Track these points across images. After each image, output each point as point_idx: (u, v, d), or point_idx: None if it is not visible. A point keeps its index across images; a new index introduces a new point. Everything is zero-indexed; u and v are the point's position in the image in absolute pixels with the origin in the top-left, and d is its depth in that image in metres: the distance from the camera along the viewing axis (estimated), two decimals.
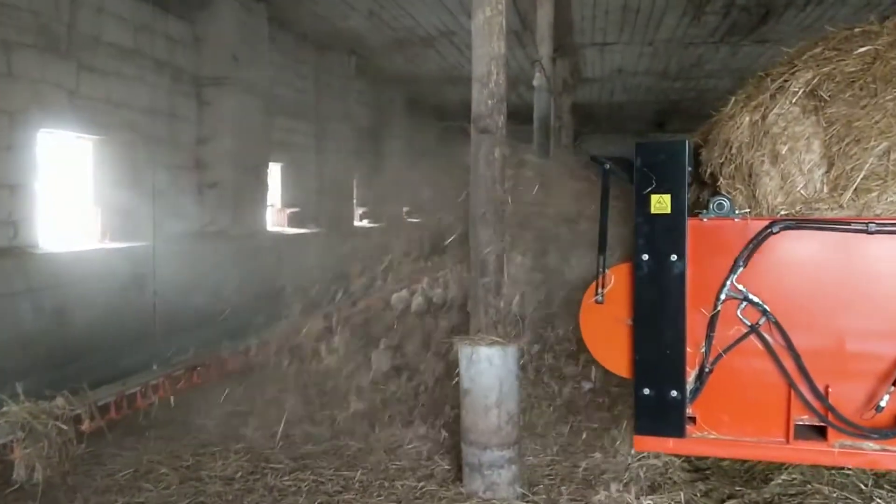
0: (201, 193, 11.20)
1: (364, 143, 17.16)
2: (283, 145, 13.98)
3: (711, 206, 3.63)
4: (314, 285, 11.03)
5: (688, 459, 4.39)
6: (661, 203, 3.58)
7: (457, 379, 5.17)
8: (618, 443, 4.68)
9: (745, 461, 4.30)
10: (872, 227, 3.40)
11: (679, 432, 3.66)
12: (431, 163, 22.69)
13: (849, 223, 3.46)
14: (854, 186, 3.43)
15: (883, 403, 3.40)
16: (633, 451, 4.44)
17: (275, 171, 14.43)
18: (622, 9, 11.20)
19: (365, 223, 17.22)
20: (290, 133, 14.52)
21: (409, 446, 5.03)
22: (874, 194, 3.45)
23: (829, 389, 3.51)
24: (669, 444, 3.75)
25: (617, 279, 3.78)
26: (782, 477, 3.99)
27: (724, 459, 4.30)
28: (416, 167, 21.28)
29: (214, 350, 7.04)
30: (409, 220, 20.76)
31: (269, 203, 13.53)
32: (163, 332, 8.09)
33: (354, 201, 16.74)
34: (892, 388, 3.40)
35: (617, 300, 3.79)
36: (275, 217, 14.06)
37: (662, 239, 3.61)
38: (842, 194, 3.47)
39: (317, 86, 15.53)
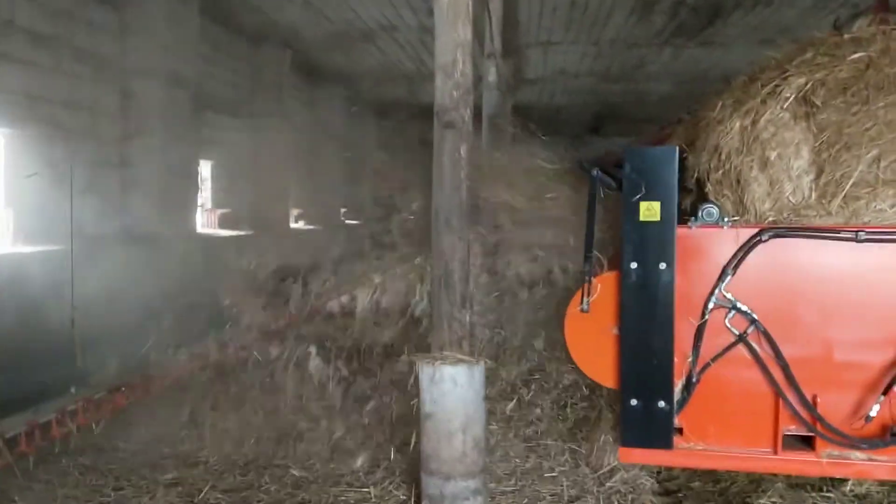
0: (126, 193, 10.73)
1: (300, 142, 16.82)
2: (214, 143, 13.51)
3: (700, 214, 3.60)
4: (249, 292, 10.80)
5: (658, 480, 4.39)
6: (650, 210, 3.53)
7: (415, 401, 5.00)
8: (582, 465, 4.62)
9: (717, 482, 4.32)
10: (862, 235, 3.41)
11: (667, 444, 3.63)
12: (370, 163, 22.56)
13: (838, 231, 3.48)
14: (843, 194, 3.44)
15: (872, 413, 3.44)
16: (598, 475, 4.42)
17: (205, 170, 13.98)
18: (570, 6, 11.26)
19: (301, 225, 16.85)
20: (222, 130, 14.09)
21: (359, 474, 4.79)
22: (863, 202, 3.48)
23: (818, 399, 3.52)
24: (656, 456, 3.71)
25: (603, 288, 3.71)
26: (761, 501, 4.01)
27: (694, 481, 4.34)
28: (354, 167, 21.06)
29: (141, 367, 6.70)
30: (347, 221, 20.52)
31: (199, 204, 13.08)
32: (82, 348, 7.56)
33: (290, 202, 16.37)
34: (882, 397, 3.43)
35: (603, 309, 3.72)
36: (205, 218, 13.56)
37: (651, 247, 3.56)
38: (830, 201, 3.50)
39: (251, 81, 15.13)
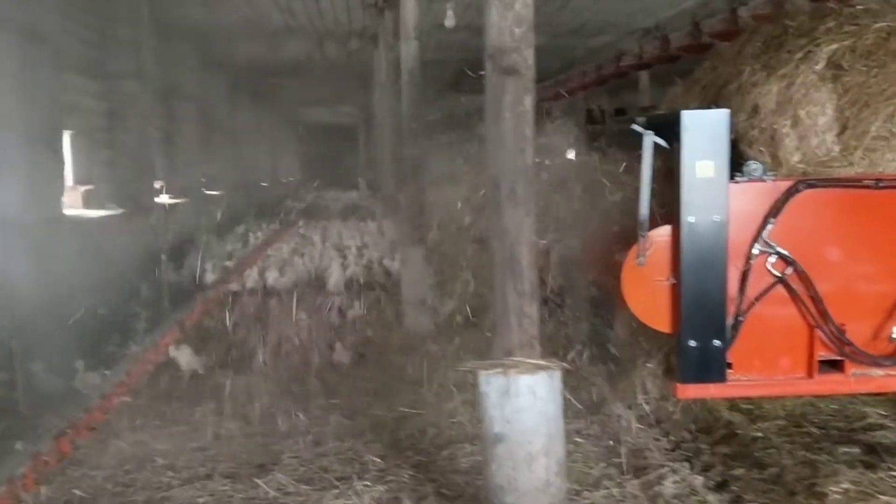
0: None
1: (159, 107, 16.13)
2: (72, 109, 12.65)
3: (745, 170, 4.16)
4: (143, 282, 10.49)
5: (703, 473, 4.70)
6: (705, 168, 4.05)
7: (456, 419, 5.16)
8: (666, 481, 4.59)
9: (763, 468, 4.68)
10: (881, 183, 4.12)
11: (721, 377, 4.23)
12: (232, 129, 21.90)
13: (861, 180, 4.16)
14: (863, 146, 4.13)
15: (894, 335, 4.17)
16: (641, 480, 4.59)
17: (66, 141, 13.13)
18: None
19: (165, 199, 16.21)
20: (79, 94, 13.26)
21: None
22: (879, 153, 4.19)
23: (846, 327, 4.22)
24: (710, 390, 4.31)
25: (657, 242, 4.22)
26: (831, 488, 4.21)
27: (734, 468, 4.69)
28: (216, 134, 20.42)
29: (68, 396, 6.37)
30: (208, 192, 19.92)
31: (67, 181, 12.32)
32: None
33: (153, 175, 15.70)
34: None
35: (656, 261, 4.23)
36: (70, 198, 12.67)
37: (706, 201, 4.09)
38: (852, 153, 4.18)
39: (104, 37, 14.30)
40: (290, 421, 5.88)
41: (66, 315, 8.70)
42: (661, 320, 4.36)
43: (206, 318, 9.58)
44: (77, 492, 4.85)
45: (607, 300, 5.59)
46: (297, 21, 16.36)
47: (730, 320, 4.31)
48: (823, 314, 4.30)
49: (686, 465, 4.86)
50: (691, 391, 4.39)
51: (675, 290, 4.28)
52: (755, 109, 4.28)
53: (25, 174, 9.83)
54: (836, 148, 4.28)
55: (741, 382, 4.38)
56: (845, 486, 4.28)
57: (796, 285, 4.30)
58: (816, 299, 4.29)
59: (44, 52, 10.51)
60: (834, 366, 4.41)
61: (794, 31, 4.39)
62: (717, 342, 4.26)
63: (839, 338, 4.31)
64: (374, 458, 5.12)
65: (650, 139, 4.22)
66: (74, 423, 5.81)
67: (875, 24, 4.15)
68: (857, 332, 4.32)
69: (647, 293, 4.33)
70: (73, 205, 12.59)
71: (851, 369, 4.35)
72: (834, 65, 4.19)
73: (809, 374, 4.38)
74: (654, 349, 4.96)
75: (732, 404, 5.47)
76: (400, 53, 9.79)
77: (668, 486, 4.55)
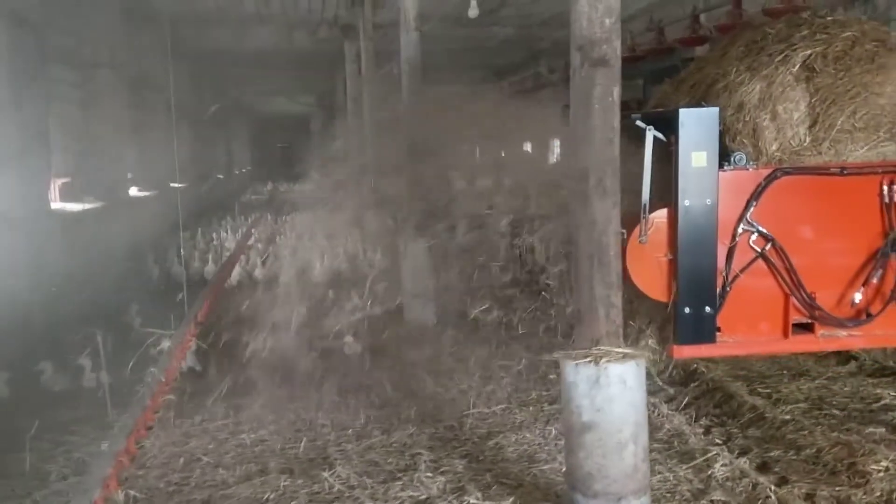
0: None
1: (130, 96, 16.38)
2: (53, 98, 12.90)
3: (732, 160, 4.92)
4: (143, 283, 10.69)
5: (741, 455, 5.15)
6: (699, 158, 4.79)
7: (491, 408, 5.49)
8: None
9: (799, 450, 5.15)
10: (845, 170, 4.92)
11: (711, 339, 4.99)
12: (192, 120, 21.95)
13: (828, 168, 4.95)
14: (830, 138, 4.92)
15: (856, 301, 4.98)
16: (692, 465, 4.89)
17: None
18: None
19: (136, 192, 16.46)
20: (55, 81, 13.50)
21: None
22: (842, 144, 4.98)
23: (816, 295, 5.01)
24: (702, 350, 5.07)
25: (657, 223, 4.95)
26: (873, 467, 4.61)
27: (772, 451, 5.11)
28: (179, 124, 20.56)
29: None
30: (175, 185, 20.15)
31: (53, 174, 12.49)
32: None
33: (126, 167, 15.98)
34: (862, 288, 5.00)
35: (656, 240, 4.96)
36: (52, 191, 12.83)
37: (700, 187, 4.83)
38: (821, 144, 4.97)
39: (79, 24, 14.49)
40: (323, 415, 6.14)
41: (111, 311, 8.99)
42: (660, 291, 5.10)
43: (213, 313, 9.92)
44: (132, 492, 4.94)
45: None
46: (268, 9, 16.74)
47: (718, 290, 5.06)
48: (797, 284, 5.09)
49: (724, 448, 5.23)
50: (686, 352, 5.15)
51: (672, 264, 5.02)
52: (740, 105, 5.05)
53: (18, 167, 10.00)
54: (808, 139, 5.07)
55: (728, 343, 5.15)
56: (885, 464, 4.70)
57: (774, 259, 5.08)
58: (791, 271, 5.09)
59: (32, 40, 10.69)
60: (806, 328, 5.21)
61: (773, 38, 5.18)
62: (707, 309, 5.02)
63: (810, 304, 5.11)
64: (422, 451, 5.39)
65: (651, 133, 4.94)
66: (136, 422, 5.97)
67: (843, 33, 4.96)
68: (826, 299, 5.13)
69: (649, 268, 5.06)
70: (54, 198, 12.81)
71: (820, 330, 5.16)
72: (807, 67, 4.99)
73: (785, 335, 5.17)
74: (647, 322, 5.68)
75: (752, 389, 5.99)
76: (386, 44, 10.03)
77: (719, 470, 4.89)
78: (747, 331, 5.19)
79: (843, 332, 5.19)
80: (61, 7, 13.51)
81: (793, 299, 5.12)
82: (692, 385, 6.21)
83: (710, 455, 5.10)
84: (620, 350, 3.72)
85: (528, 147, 19.75)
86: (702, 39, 11.93)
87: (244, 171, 38.34)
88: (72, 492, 4.86)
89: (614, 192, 3.78)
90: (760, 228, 5.05)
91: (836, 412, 5.68)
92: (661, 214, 5.04)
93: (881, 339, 5.30)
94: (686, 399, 5.94)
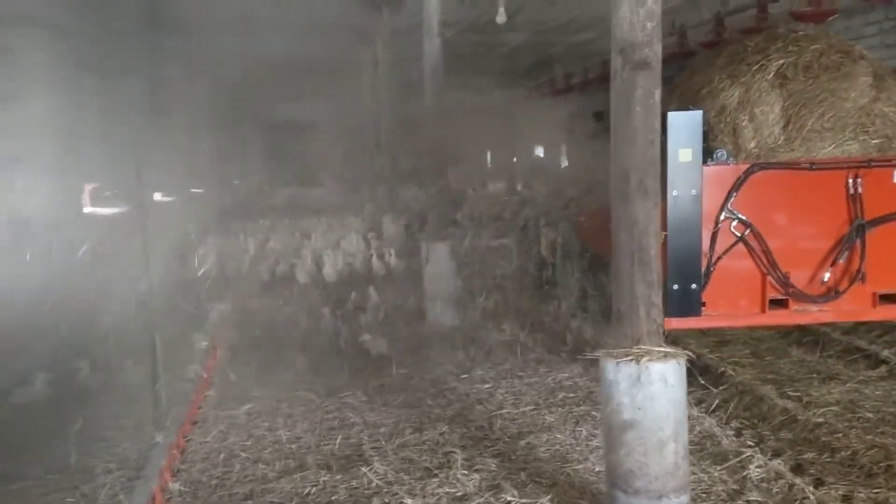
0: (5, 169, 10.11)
1: (151, 103, 17.05)
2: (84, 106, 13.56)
3: (715, 156, 5.79)
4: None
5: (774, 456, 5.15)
6: (685, 154, 5.66)
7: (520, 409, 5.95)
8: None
9: (834, 452, 5.15)
10: (814, 165, 5.79)
11: (697, 313, 5.86)
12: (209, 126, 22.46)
13: (799, 163, 5.82)
14: (801, 137, 5.80)
15: (825, 279, 5.84)
16: (726, 466, 4.92)
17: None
18: None
19: (160, 196, 16.96)
20: (85, 88, 14.24)
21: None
22: (812, 142, 5.86)
23: (790, 274, 5.87)
24: (689, 322, 5.93)
25: None
26: None
27: (805, 453, 5.13)
28: (196, 129, 21.24)
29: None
30: (195, 190, 20.92)
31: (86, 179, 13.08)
32: None
33: (147, 172, 16.65)
34: (830, 268, 5.85)
35: None
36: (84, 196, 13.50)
37: (686, 179, 5.70)
38: (793, 142, 5.86)
39: (99, 30, 15.27)
40: (355, 414, 6.35)
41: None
42: None
43: (239, 310, 10.06)
44: (176, 485, 5.14)
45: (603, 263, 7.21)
46: (287, 16, 17.54)
47: (703, 269, 5.93)
48: (773, 264, 5.98)
49: (757, 450, 5.25)
50: (675, 323, 6.03)
51: (664, 247, 5.87)
52: (722, 108, 5.97)
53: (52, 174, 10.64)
54: (782, 138, 5.96)
55: (712, 316, 6.02)
56: None
57: (752, 243, 5.98)
58: (768, 253, 5.98)
59: (68, 49, 11.36)
60: (781, 304, 6.07)
61: (752, 49, 6.10)
62: (694, 286, 5.91)
63: (785, 282, 5.99)
64: (455, 449, 5.49)
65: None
66: (182, 415, 6.22)
67: (812, 45, 5.90)
68: (798, 278, 6.01)
69: None
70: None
71: (794, 306, 6.03)
72: (781, 75, 5.93)
73: (763, 310, 6.06)
74: None
75: (782, 392, 6.25)
76: (421, 50, 9.89)
77: (753, 471, 4.91)
78: (729, 306, 6.07)
79: (814, 308, 6.07)
80: (93, 16, 14.36)
81: (769, 278, 6.01)
82: (721, 388, 6.43)
83: (743, 456, 5.14)
84: (662, 349, 3.82)
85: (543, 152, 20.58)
86: (726, 43, 12.50)
87: (257, 176, 39.27)
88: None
89: (655, 193, 3.92)
90: (740, 216, 5.93)
91: (870, 415, 5.81)
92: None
93: (848, 314, 6.18)
94: (716, 402, 6.17)
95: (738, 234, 5.97)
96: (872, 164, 5.89)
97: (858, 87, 5.94)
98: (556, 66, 23.15)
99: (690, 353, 4.16)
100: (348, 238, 16.00)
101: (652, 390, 3.77)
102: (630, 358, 3.78)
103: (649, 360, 3.76)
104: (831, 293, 6.04)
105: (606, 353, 3.91)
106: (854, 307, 6.07)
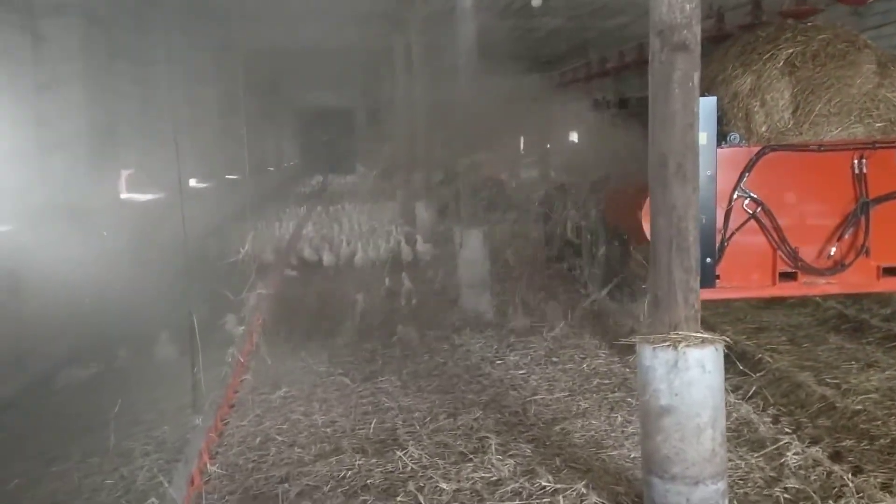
0: (44, 156, 10.63)
1: (187, 91, 17.53)
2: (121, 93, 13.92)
3: (728, 139, 6.35)
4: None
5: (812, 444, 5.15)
6: (701, 138, 6.22)
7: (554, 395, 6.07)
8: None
9: (873, 440, 5.14)
10: (822, 147, 6.34)
11: (712, 285, 6.44)
12: (245, 114, 23.02)
13: (808, 146, 6.37)
14: (809, 121, 6.34)
15: (832, 253, 6.39)
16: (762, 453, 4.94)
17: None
18: None
19: (195, 183, 17.57)
20: (121, 76, 14.69)
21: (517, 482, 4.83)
22: (820, 126, 6.40)
23: (799, 249, 6.42)
24: (705, 294, 6.48)
25: None
26: None
27: (843, 441, 5.14)
28: (231, 119, 21.78)
29: None
30: (230, 177, 21.53)
31: (124, 165, 13.58)
32: None
33: (184, 159, 17.23)
34: (836, 243, 6.40)
35: None
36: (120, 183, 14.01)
37: (702, 161, 6.25)
38: (802, 126, 6.40)
39: (135, 20, 15.73)
40: (389, 399, 6.46)
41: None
42: None
43: (274, 295, 10.33)
44: (214, 468, 5.28)
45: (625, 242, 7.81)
46: (318, 4, 18.07)
47: (717, 245, 6.51)
48: (783, 240, 6.57)
49: (795, 437, 5.29)
50: None
51: None
52: (735, 95, 6.54)
53: (90, 160, 11.00)
54: (791, 122, 6.52)
55: (726, 288, 6.60)
56: None
57: (763, 220, 6.57)
58: (778, 229, 6.57)
59: (104, 36, 11.63)
60: (790, 277, 6.64)
61: (763, 39, 6.64)
62: (709, 260, 6.47)
63: (794, 257, 6.57)
64: (489, 434, 5.58)
65: None
66: (220, 399, 6.37)
67: (819, 35, 6.46)
68: (807, 253, 6.58)
69: None
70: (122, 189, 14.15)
71: (803, 279, 6.59)
72: (790, 63, 6.52)
73: (773, 283, 6.65)
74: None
75: (820, 379, 6.24)
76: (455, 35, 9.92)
77: (791, 458, 4.93)
78: (742, 279, 6.66)
79: (821, 280, 6.64)
80: (129, 5, 14.78)
81: (779, 253, 6.61)
82: (758, 374, 6.48)
83: (780, 444, 5.16)
84: (699, 335, 3.83)
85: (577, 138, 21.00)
86: (764, 25, 12.63)
87: (291, 163, 40.13)
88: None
89: (694, 178, 3.92)
90: (752, 195, 6.52)
91: None
92: None
93: (853, 286, 6.74)
94: (753, 388, 6.21)
95: (751, 212, 6.55)
96: (876, 145, 6.47)
97: (863, 74, 6.49)
98: (590, 51, 23.52)
99: (728, 340, 4.24)
100: (382, 224, 16.59)
101: (689, 376, 3.80)
102: (667, 344, 3.82)
103: (687, 346, 3.79)
104: (837, 266, 6.61)
105: (643, 339, 3.95)
106: (859, 279, 6.63)
